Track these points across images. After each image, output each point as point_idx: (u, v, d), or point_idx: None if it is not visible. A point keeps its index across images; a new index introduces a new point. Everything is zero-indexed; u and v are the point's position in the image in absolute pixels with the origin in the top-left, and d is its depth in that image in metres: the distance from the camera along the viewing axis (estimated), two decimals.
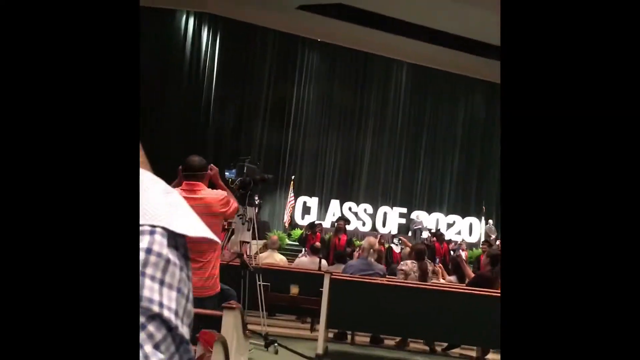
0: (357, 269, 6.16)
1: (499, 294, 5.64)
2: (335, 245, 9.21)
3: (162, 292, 0.56)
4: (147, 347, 0.54)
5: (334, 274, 5.92)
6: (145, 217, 0.58)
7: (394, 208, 16.78)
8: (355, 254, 8.37)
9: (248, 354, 3.82)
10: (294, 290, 6.46)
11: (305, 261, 8.04)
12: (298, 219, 15.43)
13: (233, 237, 5.44)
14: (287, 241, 13.93)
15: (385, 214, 16.49)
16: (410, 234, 15.16)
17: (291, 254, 10.44)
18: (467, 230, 16.90)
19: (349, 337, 6.62)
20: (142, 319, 0.55)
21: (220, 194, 3.28)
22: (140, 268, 0.56)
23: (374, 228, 15.89)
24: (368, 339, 6.73)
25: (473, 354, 6.62)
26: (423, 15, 14.62)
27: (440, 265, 7.94)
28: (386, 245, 10.53)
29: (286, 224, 15.11)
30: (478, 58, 16.17)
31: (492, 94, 17.84)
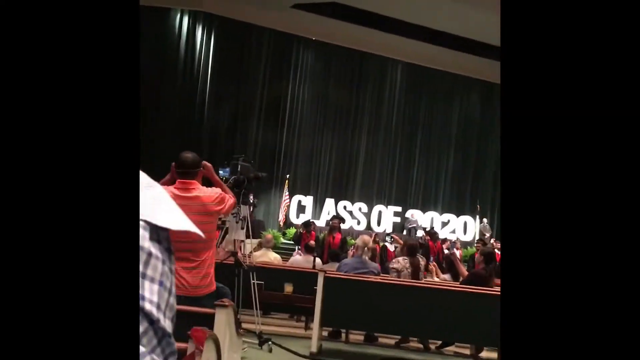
0: (351, 267, 6.17)
1: (493, 292, 5.66)
2: (330, 243, 9.22)
3: (143, 285, 0.56)
4: None
5: (328, 272, 5.92)
6: None
7: (389, 207, 16.80)
8: (350, 252, 8.38)
9: (242, 352, 3.82)
10: (288, 288, 6.46)
11: (299, 260, 8.04)
12: (293, 217, 15.42)
13: (227, 235, 5.44)
14: (282, 240, 13.93)
15: (380, 212, 16.51)
16: (405, 232, 15.18)
17: (286, 253, 10.44)
18: (462, 229, 16.93)
19: (343, 335, 6.62)
20: None
21: (215, 192, 3.24)
22: None
23: (368, 227, 15.90)
24: (362, 337, 6.73)
25: (467, 351, 6.64)
26: (418, 14, 14.63)
27: (434, 263, 7.96)
28: (381, 244, 10.55)
29: (281, 223, 15.11)
30: (473, 57, 16.20)
31: (487, 93, 17.89)
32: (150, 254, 0.58)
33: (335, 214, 13.92)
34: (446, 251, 11.13)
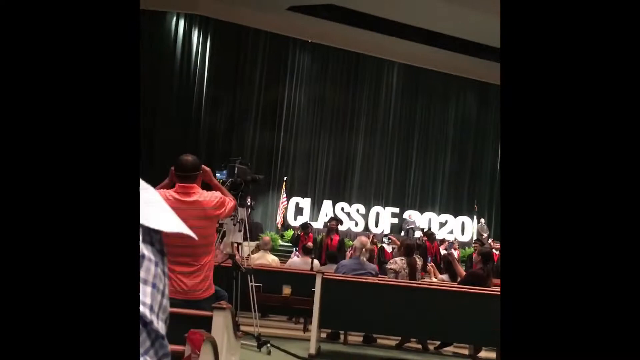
0: (349, 268, 6.17)
1: (491, 292, 5.67)
2: (328, 245, 9.22)
3: None
4: None
5: (326, 273, 5.92)
6: None
7: (387, 208, 16.82)
8: (348, 253, 8.38)
9: (240, 354, 3.81)
10: (287, 290, 6.46)
11: (297, 261, 8.04)
12: (291, 219, 15.42)
13: (225, 238, 5.43)
14: (280, 242, 13.92)
15: (377, 214, 16.51)
16: (402, 233, 15.18)
17: (284, 255, 10.43)
18: (460, 230, 16.95)
19: (342, 336, 6.62)
20: None
21: (214, 196, 3.20)
22: None
23: (366, 228, 15.91)
24: (361, 339, 6.73)
25: (466, 352, 6.64)
26: (414, 16, 14.66)
27: (432, 264, 7.96)
28: (379, 245, 10.55)
29: (279, 225, 15.10)
30: (470, 58, 16.24)
31: (484, 94, 17.92)
32: (143, 256, 0.58)
33: (332, 216, 13.91)
34: (444, 252, 11.14)
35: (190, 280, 3.04)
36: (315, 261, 7.71)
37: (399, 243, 8.59)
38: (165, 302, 0.61)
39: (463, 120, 18.27)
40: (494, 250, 8.83)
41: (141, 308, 0.56)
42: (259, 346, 5.35)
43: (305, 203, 16.01)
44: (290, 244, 11.84)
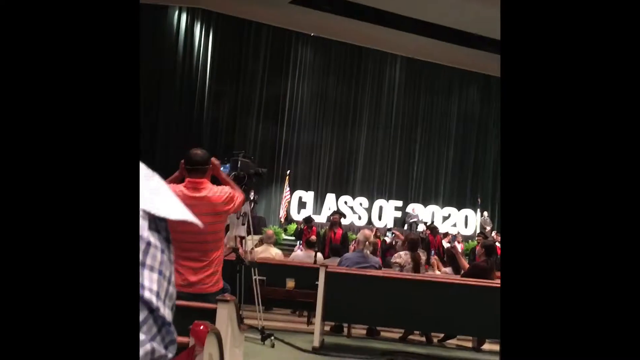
0: (352, 262, 6.18)
1: (495, 284, 5.67)
2: (331, 239, 9.23)
3: (143, 274, 0.57)
4: None
5: (329, 267, 5.93)
6: None
7: (390, 201, 16.81)
8: (351, 247, 8.39)
9: (244, 346, 3.83)
10: (290, 284, 6.47)
11: (300, 255, 8.05)
12: (294, 213, 15.44)
13: (229, 232, 5.45)
14: (284, 236, 13.95)
15: (381, 207, 16.52)
16: (406, 227, 15.19)
17: (288, 249, 10.45)
18: (463, 223, 16.95)
19: (346, 329, 6.64)
20: None
21: (224, 191, 3.18)
22: None
23: (369, 222, 15.92)
24: (364, 331, 6.75)
25: (469, 344, 6.66)
26: (416, 8, 14.61)
27: (435, 257, 7.98)
28: (382, 239, 10.57)
29: (282, 219, 15.12)
30: (472, 51, 16.19)
31: (487, 87, 17.88)
32: (149, 243, 0.58)
33: (336, 210, 13.94)
34: (447, 245, 11.16)
35: (199, 274, 3.05)
36: (319, 254, 7.72)
37: (402, 237, 8.60)
38: (172, 289, 0.61)
39: (466, 113, 18.24)
40: (497, 243, 8.83)
41: (147, 294, 0.57)
42: (263, 339, 5.37)
43: (309, 197, 16.03)
44: (293, 238, 11.87)
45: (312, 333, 5.74)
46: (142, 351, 0.55)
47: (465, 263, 7.26)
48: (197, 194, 3.08)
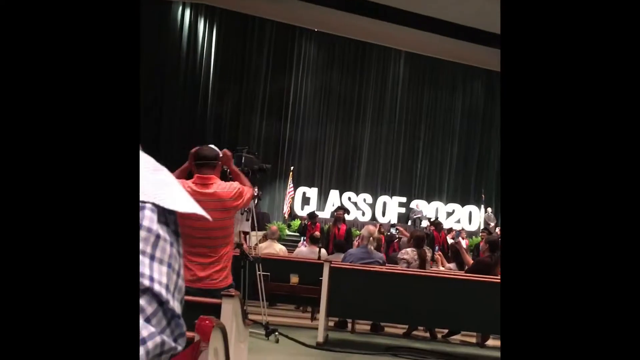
0: (356, 257, 6.18)
1: (498, 280, 5.67)
2: (335, 234, 9.23)
3: (152, 267, 0.57)
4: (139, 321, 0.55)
5: (333, 262, 5.93)
6: None
7: (394, 197, 16.81)
8: (355, 243, 8.39)
9: (248, 342, 3.84)
10: (294, 279, 6.49)
11: (304, 251, 8.06)
12: (298, 209, 15.45)
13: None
14: (287, 232, 13.96)
15: (384, 203, 16.52)
16: (410, 223, 15.18)
17: (292, 244, 10.46)
18: (467, 219, 16.93)
19: (350, 325, 6.65)
20: None
21: (232, 187, 3.15)
22: None
23: (373, 218, 15.92)
24: (368, 327, 6.76)
25: (473, 340, 6.66)
26: (421, 3, 14.56)
27: (439, 253, 7.97)
28: (386, 235, 10.57)
29: (286, 215, 15.14)
30: (477, 46, 16.12)
31: (491, 82, 17.82)
32: (158, 236, 0.59)
33: (339, 205, 13.93)
34: (451, 240, 11.15)
35: (208, 270, 3.05)
36: (323, 250, 7.73)
37: (407, 234, 8.60)
38: (181, 282, 0.61)
39: (470, 109, 18.18)
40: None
41: (157, 287, 0.57)
42: (267, 334, 5.38)
43: (312, 193, 16.04)
44: (297, 234, 11.87)
45: (316, 328, 5.75)
46: (151, 344, 0.56)
47: (469, 259, 7.26)
48: (206, 190, 3.07)
